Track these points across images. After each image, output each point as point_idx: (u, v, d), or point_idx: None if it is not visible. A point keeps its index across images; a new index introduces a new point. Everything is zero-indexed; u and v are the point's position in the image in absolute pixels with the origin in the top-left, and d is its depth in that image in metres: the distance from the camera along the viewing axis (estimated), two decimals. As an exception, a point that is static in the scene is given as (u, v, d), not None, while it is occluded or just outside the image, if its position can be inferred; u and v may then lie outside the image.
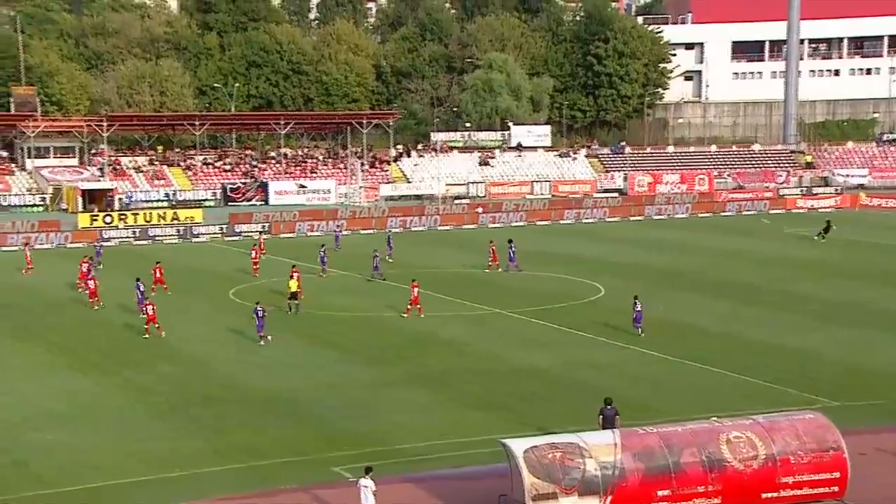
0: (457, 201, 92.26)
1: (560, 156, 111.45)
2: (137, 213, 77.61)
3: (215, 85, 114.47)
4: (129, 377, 31.29)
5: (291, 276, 42.30)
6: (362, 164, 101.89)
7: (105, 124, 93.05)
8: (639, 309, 37.35)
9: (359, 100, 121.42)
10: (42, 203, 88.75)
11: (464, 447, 24.55)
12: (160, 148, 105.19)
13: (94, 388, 29.96)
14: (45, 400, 28.58)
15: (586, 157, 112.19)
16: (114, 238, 69.64)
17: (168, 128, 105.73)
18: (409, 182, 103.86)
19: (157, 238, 70.91)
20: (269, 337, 35.86)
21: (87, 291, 43.88)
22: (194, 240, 71.35)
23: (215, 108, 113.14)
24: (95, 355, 34.20)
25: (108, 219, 74.94)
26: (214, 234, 72.65)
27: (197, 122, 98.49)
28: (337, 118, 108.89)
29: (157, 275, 46.52)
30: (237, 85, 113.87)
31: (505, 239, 55.70)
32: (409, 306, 40.90)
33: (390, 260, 56.30)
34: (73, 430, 25.91)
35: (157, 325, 37.23)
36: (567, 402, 28.61)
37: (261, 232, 68.17)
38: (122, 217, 75.73)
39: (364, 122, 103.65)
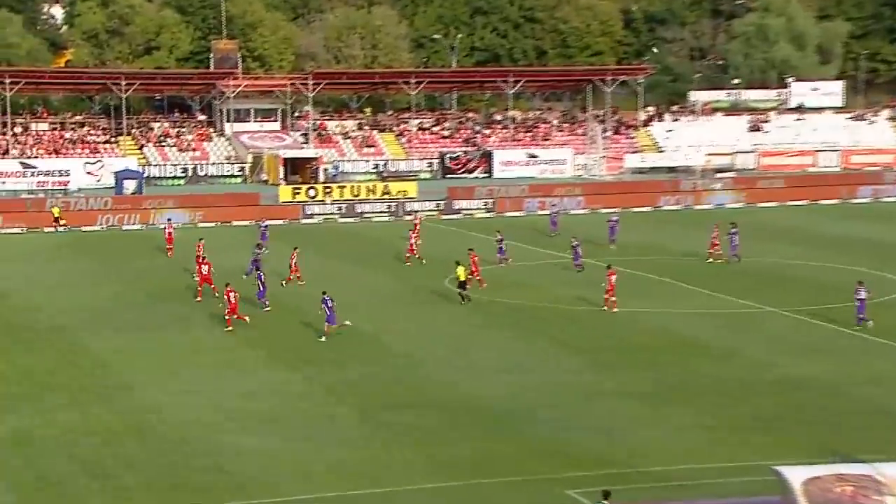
0: (719, 175, 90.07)
1: (854, 118, 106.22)
2: (344, 186, 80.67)
3: (434, 36, 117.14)
4: (327, 376, 32.60)
5: (460, 263, 42.58)
6: (604, 130, 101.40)
7: (310, 83, 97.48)
8: (862, 297, 35.91)
9: (602, 52, 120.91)
10: (240, 174, 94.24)
11: (723, 473, 23.99)
12: (370, 110, 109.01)
13: (289, 387, 31.42)
14: (238, 399, 30.22)
15: (889, 119, 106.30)
16: (317, 214, 72.90)
17: (380, 87, 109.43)
18: (660, 151, 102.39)
19: (365, 215, 73.59)
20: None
21: (198, 277, 44.31)
22: (407, 217, 73.44)
23: (434, 63, 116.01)
24: (289, 351, 35.86)
25: (311, 192, 78.35)
26: (430, 211, 74.49)
27: (413, 80, 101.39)
28: (576, 75, 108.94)
29: (293, 261, 46.54)
30: (459, 36, 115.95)
31: (733, 223, 53.90)
32: (606, 297, 40.74)
33: (612, 247, 55.82)
34: (270, 433, 27.26)
35: (236, 316, 38.35)
36: (854, 423, 27.40)
37: (416, 212, 68.74)
38: (328, 190, 79.02)
39: (608, 79, 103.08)
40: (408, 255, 52.54)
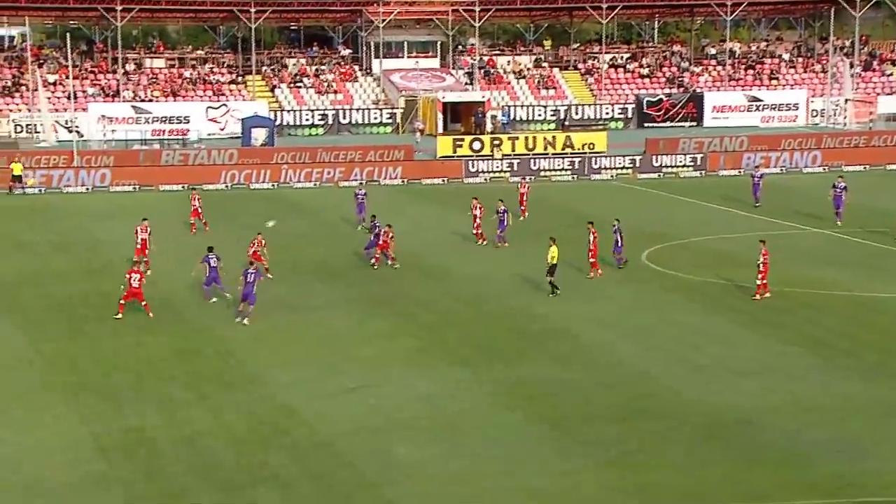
0: None
1: None
2: (516, 138, 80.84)
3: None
4: (509, 377, 32.58)
5: (555, 242, 41.23)
6: (852, 65, 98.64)
7: (477, 9, 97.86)
8: None
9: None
10: (390, 122, 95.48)
11: None
12: (549, 43, 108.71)
13: (465, 390, 31.51)
14: (406, 403, 30.40)
15: None
16: (483, 172, 73.32)
17: (563, 13, 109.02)
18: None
19: (542, 173, 73.64)
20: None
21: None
22: (594, 177, 73.22)
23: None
24: (466, 344, 35.98)
25: (476, 144, 78.75)
26: (622, 168, 74.04)
27: (604, 5, 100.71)
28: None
29: (254, 248, 44.72)
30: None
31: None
32: (758, 280, 39.99)
33: (838, 222, 54.20)
34: (440, 446, 27.28)
35: (140, 302, 38.68)
36: None
37: (525, 177, 67.31)
38: (496, 142, 79.26)
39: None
40: (476, 231, 50.98)
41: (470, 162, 74.37)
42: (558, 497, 24.48)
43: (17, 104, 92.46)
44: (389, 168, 72.78)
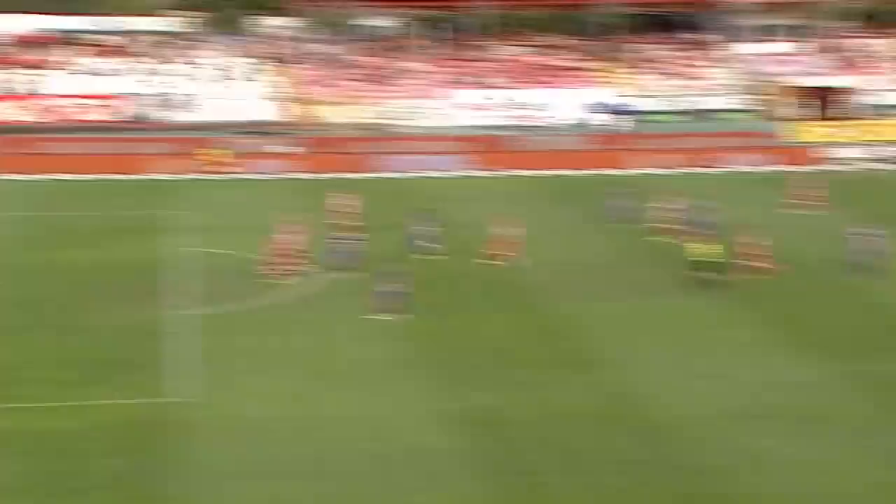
0: None
1: None
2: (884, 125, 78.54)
3: None
4: (880, 371, 31.84)
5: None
6: None
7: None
8: None
9: None
10: (748, 108, 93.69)
11: None
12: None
13: (830, 381, 31.01)
14: (764, 391, 30.22)
15: None
16: (847, 160, 71.30)
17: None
18: None
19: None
20: None
21: None
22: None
23: None
24: (833, 335, 35.43)
25: (838, 131, 76.91)
26: None
27: None
28: None
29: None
30: None
31: None
32: None
33: None
34: (800, 437, 26.99)
35: None
36: None
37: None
38: (861, 129, 77.14)
39: None
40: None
41: (831, 149, 72.70)
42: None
43: (383, 92, 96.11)
44: (748, 156, 72.04)
